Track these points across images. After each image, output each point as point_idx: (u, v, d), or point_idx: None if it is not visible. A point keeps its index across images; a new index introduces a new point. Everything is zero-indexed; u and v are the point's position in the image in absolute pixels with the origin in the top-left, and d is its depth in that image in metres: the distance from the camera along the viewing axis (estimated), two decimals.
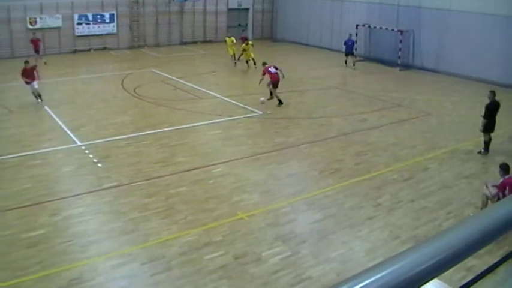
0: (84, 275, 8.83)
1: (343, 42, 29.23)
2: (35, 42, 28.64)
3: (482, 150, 15.14)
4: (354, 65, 28.64)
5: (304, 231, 10.49)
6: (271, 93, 20.03)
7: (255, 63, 26.94)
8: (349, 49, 28.56)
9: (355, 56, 29.08)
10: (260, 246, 9.77)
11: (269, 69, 20.03)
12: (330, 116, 18.83)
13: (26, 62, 19.96)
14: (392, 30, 29.21)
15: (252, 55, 27.83)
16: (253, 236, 10.15)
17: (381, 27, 30.10)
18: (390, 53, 29.26)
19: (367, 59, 31.27)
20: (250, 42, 28.42)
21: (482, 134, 15.05)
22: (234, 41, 29.10)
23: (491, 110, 14.83)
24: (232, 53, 29.04)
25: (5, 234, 10.20)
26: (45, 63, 28.10)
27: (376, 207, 11.52)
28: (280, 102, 19.76)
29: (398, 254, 1.57)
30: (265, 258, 9.33)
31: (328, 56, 33.19)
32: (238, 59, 29.05)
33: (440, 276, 1.63)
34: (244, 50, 28.21)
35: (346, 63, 28.98)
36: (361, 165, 14.14)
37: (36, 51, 28.42)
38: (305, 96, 22.08)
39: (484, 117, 14.84)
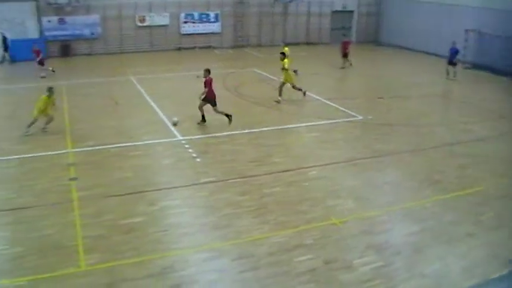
0: (176, 265, 9.12)
1: (449, 49, 26.66)
2: (37, 52, 27.49)
3: None
4: (454, 76, 26.04)
5: (399, 242, 10.18)
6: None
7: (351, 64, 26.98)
8: (452, 58, 26.05)
9: (455, 65, 26.10)
10: (351, 253, 9.61)
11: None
12: (433, 124, 18.17)
13: None
14: (505, 37, 27.63)
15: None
16: (345, 242, 10.00)
17: (492, 34, 28.56)
18: (501, 61, 27.42)
19: (476, 66, 29.71)
20: (286, 48, 25.20)
21: None
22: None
23: None
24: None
25: (106, 218, 10.77)
26: (53, 71, 27.74)
27: (476, 224, 10.94)
28: (203, 119, 17.70)
29: (498, 276, 1.47)
30: (356, 266, 9.16)
31: (434, 62, 31.95)
32: (351, 64, 28.66)
33: None
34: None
35: (447, 72, 26.28)
36: (464, 178, 13.48)
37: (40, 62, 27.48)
38: (407, 103, 21.45)
39: None
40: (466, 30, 30.02)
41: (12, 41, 32.77)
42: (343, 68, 28.34)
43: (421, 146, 15.78)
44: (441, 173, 13.75)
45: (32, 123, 16.43)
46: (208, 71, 17.31)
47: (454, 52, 26.06)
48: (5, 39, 32.29)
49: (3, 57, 32.05)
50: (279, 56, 21.35)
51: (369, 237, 10.21)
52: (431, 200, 12.03)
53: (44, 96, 16.75)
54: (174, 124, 16.17)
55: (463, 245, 10.11)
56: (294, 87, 20.95)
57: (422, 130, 17.37)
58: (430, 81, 26.09)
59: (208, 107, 17.26)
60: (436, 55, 33.24)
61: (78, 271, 8.90)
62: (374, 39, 40.29)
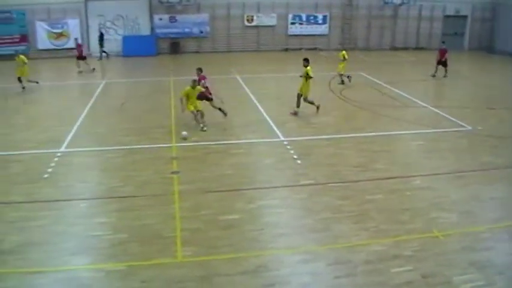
0: (270, 264, 9.07)
1: None
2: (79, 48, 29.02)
3: None
4: None
5: (503, 261, 9.53)
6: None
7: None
8: None
9: None
10: (452, 269, 9.11)
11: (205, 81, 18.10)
12: None
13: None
14: None
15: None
16: (446, 257, 9.51)
17: None
18: None
19: None
20: (343, 52, 25.19)
21: None
22: (346, 56, 25.23)
23: None
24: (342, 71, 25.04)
25: (205, 213, 10.93)
26: (93, 69, 28.87)
27: None
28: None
29: None
30: (456, 283, 8.66)
31: None
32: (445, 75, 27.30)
33: None
34: None
35: None
36: None
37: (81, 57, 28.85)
38: None
39: None
40: None
41: (125, 37, 34.39)
42: (433, 76, 26.99)
43: None
44: None
45: (196, 116, 16.78)
46: (200, 70, 18.28)
47: None
48: (102, 36, 33.88)
49: (101, 53, 33.65)
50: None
51: (471, 254, 9.64)
52: None
53: (188, 88, 16.78)
54: (184, 138, 15.42)
55: None
56: (305, 100, 18.85)
57: None
58: None
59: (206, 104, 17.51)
60: None
61: (174, 262, 9.09)
62: (488, 46, 38.31)
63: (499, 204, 12.02)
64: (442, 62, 26.81)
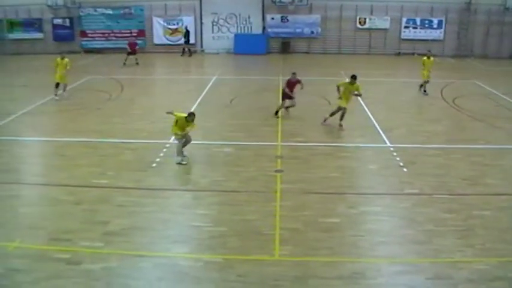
0: (367, 272, 8.94)
1: None
2: (131, 45, 30.72)
3: None
4: None
5: None
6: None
7: None
8: None
9: None
10: None
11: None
12: None
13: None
14: None
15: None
16: None
17: None
18: None
19: None
20: (424, 58, 23.34)
21: None
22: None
23: None
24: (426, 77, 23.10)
25: (304, 214, 10.98)
26: (137, 63, 29.75)
27: None
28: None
29: None
30: None
31: None
32: None
33: None
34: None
35: None
36: None
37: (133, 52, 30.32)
38: None
39: None
40: None
41: (237, 35, 35.16)
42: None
43: None
44: None
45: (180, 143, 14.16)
46: (294, 73, 18.67)
47: None
48: (187, 32, 34.72)
49: (184, 50, 34.48)
50: (350, 80, 17.38)
51: None
52: None
53: (182, 116, 13.91)
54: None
55: None
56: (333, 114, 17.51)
57: None
58: None
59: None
60: None
61: (271, 259, 9.21)
62: None
63: None
64: None
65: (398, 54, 35.58)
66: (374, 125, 17.80)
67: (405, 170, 13.74)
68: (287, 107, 18.73)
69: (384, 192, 12.41)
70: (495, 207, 11.70)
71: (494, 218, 11.15)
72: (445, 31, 35.56)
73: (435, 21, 35.49)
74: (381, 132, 16.92)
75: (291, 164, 13.89)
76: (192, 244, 9.79)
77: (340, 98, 17.16)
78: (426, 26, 35.57)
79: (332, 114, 17.46)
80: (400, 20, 35.34)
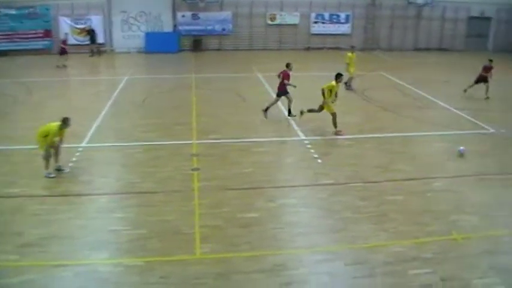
0: (289, 263, 9.07)
1: None
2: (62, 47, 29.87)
3: None
4: None
5: None
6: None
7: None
8: None
9: None
10: (471, 272, 9.00)
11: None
12: None
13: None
14: None
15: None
16: (466, 260, 9.40)
17: None
18: None
19: None
20: (349, 54, 23.49)
21: None
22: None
23: None
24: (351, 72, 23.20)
25: (224, 210, 10.97)
26: (64, 65, 28.99)
27: None
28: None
29: None
30: (475, 287, 8.60)
31: None
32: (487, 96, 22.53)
33: None
34: None
35: None
36: None
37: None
38: None
39: None
40: None
41: (148, 33, 34.62)
42: (465, 91, 22.92)
43: None
44: None
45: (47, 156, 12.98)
46: (287, 65, 18.33)
47: None
48: (93, 32, 33.99)
49: (92, 50, 33.77)
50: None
51: (491, 258, 9.51)
52: None
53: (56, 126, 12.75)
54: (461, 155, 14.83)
55: None
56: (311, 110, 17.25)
57: None
58: None
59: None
60: None
61: (192, 258, 9.14)
62: None
63: None
64: (483, 78, 22.56)
65: (308, 49, 36.30)
66: (287, 118, 18.06)
67: (320, 161, 14.05)
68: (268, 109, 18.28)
69: (300, 184, 12.63)
70: (406, 191, 12.22)
71: (406, 202, 11.64)
72: (352, 25, 36.66)
73: (343, 16, 36.50)
74: (294, 125, 17.21)
75: (207, 162, 13.83)
76: (111, 249, 9.53)
77: (333, 101, 16.57)
78: (334, 20, 36.50)
79: (310, 111, 17.24)
80: (309, 15, 36.06)
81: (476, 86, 22.27)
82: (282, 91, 18.21)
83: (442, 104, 20.95)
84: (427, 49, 37.18)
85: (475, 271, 9.04)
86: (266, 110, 18.13)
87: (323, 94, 16.46)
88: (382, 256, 9.35)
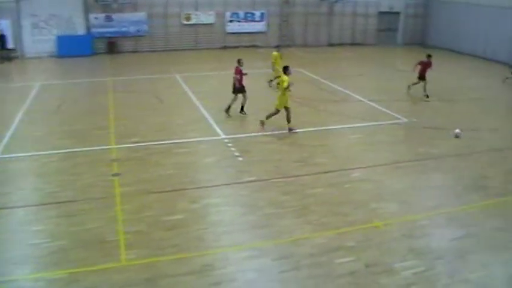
0: (216, 263, 9.11)
1: None
2: None
3: None
4: None
5: (441, 247, 9.93)
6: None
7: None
8: None
9: None
10: (393, 257, 9.42)
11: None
12: (481, 129, 17.63)
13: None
14: None
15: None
16: (387, 245, 9.81)
17: None
18: None
19: None
20: (275, 53, 23.28)
21: None
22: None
23: None
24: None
25: (147, 214, 10.85)
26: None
27: None
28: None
29: None
30: (397, 270, 8.97)
31: (484, 66, 31.33)
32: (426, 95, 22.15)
33: None
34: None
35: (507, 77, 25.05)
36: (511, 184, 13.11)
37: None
38: (456, 107, 20.92)
39: None
40: None
41: (60, 37, 33.51)
42: (409, 87, 22.61)
43: (468, 150, 15.37)
44: (488, 178, 13.34)
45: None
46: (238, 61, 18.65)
47: None
48: (2, 37, 32.64)
49: (1, 56, 32.43)
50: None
51: (411, 241, 10.00)
52: (476, 205, 11.70)
53: None
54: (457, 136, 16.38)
55: (509, 253, 9.79)
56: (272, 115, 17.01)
57: (470, 134, 16.88)
58: (481, 85, 25.39)
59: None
60: (484, 58, 32.55)
61: (118, 266, 8.98)
62: (421, 42, 39.45)
63: (435, 192, 12.51)
64: (423, 76, 22.07)
65: (225, 47, 36.37)
66: (206, 118, 18.06)
67: (241, 159, 14.18)
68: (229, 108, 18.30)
69: (223, 183, 12.68)
70: (326, 184, 12.56)
71: (327, 194, 11.97)
72: (267, 23, 37.02)
73: (258, 14, 36.79)
74: (214, 124, 17.24)
75: (128, 166, 13.61)
76: (32, 263, 9.18)
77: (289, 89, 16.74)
78: (249, 19, 36.72)
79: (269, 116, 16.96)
80: (224, 14, 36.13)
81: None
82: (238, 88, 18.38)
83: (357, 96, 21.61)
84: (341, 44, 38.14)
85: (396, 255, 9.46)
86: (228, 109, 18.37)
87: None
88: (307, 248, 9.57)
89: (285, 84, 16.50)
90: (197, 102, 19.80)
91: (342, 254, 9.41)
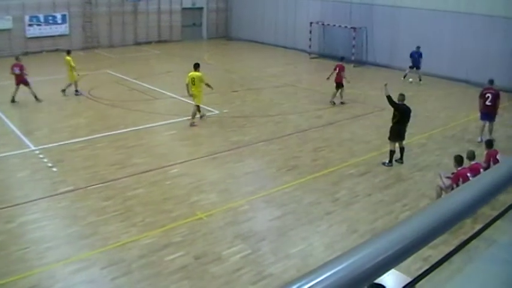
0: (42, 283, 8.65)
1: (409, 55, 25.02)
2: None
3: (387, 162, 13.97)
4: (420, 80, 24.77)
5: (264, 228, 10.54)
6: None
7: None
8: (417, 63, 24.78)
9: (419, 68, 24.89)
10: (220, 245, 9.77)
11: None
12: (286, 113, 18.92)
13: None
14: (346, 27, 29.59)
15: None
16: (213, 235, 10.14)
17: (334, 25, 30.46)
18: (344, 50, 28.91)
19: (322, 56, 31.67)
20: (68, 58, 21.52)
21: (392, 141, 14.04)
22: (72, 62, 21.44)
23: (401, 116, 13.68)
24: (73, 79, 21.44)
25: None
26: None
27: (334, 203, 11.67)
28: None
29: (356, 246, 1.58)
30: (226, 257, 9.34)
31: (283, 54, 33.47)
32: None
33: (397, 267, 1.65)
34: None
35: (404, 77, 25.22)
36: (318, 161, 14.30)
37: None
38: (261, 94, 22.13)
39: (393, 122, 13.86)
40: (311, 23, 31.66)
41: None
42: (333, 103, 20.57)
43: (277, 134, 16.40)
44: (297, 158, 14.42)
45: None
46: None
47: (419, 56, 24.78)
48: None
49: None
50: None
51: (235, 228, 10.45)
52: (290, 184, 12.58)
53: None
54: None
55: (324, 223, 10.74)
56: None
57: (276, 119, 18.01)
58: (281, 72, 27.14)
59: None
60: (285, 47, 34.74)
61: None
62: (225, 35, 40.91)
63: (252, 177, 13.17)
64: (339, 83, 20.43)
65: (26, 53, 34.25)
66: (13, 130, 16.86)
67: (55, 169, 13.52)
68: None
69: (39, 197, 11.96)
70: (146, 183, 12.56)
71: (148, 194, 12.00)
72: (70, 25, 35.53)
73: (59, 16, 35.12)
74: (22, 136, 16.14)
75: None
76: None
77: (192, 94, 17.24)
78: (50, 22, 34.94)
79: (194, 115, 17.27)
80: (23, 18, 33.95)
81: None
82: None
83: (168, 93, 21.77)
84: (148, 42, 37.97)
85: (223, 243, 9.84)
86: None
87: (191, 86, 17.12)
88: (136, 251, 9.52)
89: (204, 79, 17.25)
90: (1, 115, 18.42)
91: (171, 251, 9.52)
